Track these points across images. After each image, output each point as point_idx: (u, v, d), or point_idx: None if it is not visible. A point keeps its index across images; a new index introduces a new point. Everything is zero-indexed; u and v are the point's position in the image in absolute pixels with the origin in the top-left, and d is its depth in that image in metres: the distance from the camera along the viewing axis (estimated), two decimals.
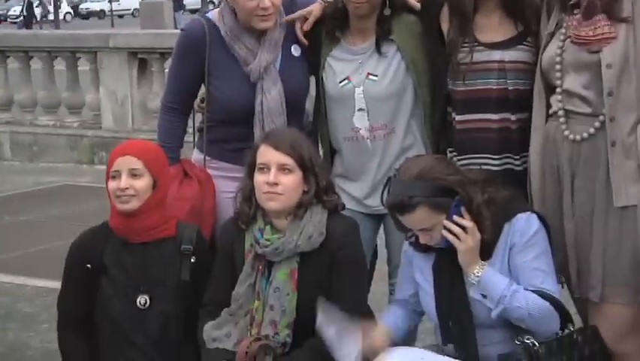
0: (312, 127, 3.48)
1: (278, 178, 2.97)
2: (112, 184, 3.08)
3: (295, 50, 3.43)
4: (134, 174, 3.06)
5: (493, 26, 3.17)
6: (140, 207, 3.07)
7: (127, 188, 3.05)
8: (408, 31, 3.29)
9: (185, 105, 3.51)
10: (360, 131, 3.32)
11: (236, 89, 3.36)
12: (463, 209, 2.80)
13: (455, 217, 2.79)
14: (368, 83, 3.29)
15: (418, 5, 3.31)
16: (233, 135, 3.39)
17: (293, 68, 3.41)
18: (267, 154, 3.00)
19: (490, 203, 2.84)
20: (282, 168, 2.99)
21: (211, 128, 3.47)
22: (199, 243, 3.17)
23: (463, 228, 2.78)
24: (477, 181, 2.88)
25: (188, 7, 38.74)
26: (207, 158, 3.48)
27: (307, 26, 3.39)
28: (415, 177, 2.80)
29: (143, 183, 3.07)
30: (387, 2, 3.27)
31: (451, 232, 2.79)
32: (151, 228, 3.11)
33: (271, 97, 3.33)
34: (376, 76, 3.29)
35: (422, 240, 2.88)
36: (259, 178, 3.00)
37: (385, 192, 2.89)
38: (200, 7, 36.91)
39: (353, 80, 3.31)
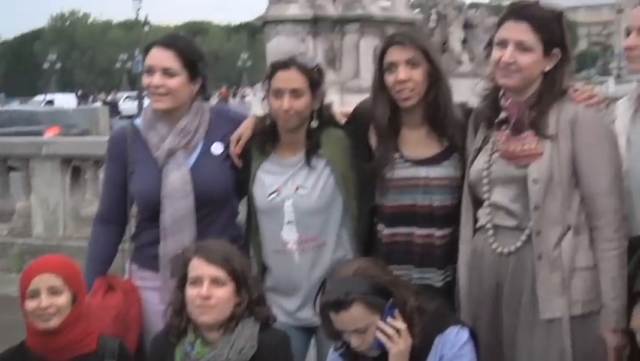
0: (244, 239, 3.49)
1: (211, 291, 2.96)
2: (30, 304, 3.00)
3: (216, 148, 3.45)
4: (53, 292, 3.00)
5: (418, 142, 3.25)
6: (61, 324, 3.01)
7: (48, 307, 2.99)
8: (337, 144, 3.35)
9: (118, 215, 3.51)
10: (289, 245, 3.34)
11: (147, 178, 3.40)
12: (396, 311, 2.85)
13: (389, 319, 2.83)
14: (297, 196, 3.32)
15: (343, 119, 3.39)
16: (155, 237, 3.39)
17: (209, 163, 3.42)
18: (199, 267, 2.99)
19: (422, 311, 2.90)
20: (215, 281, 2.98)
21: (138, 233, 3.49)
22: (122, 356, 3.10)
23: (397, 330, 2.82)
24: (409, 286, 2.96)
25: (124, 114, 38.85)
26: (134, 267, 3.48)
27: (239, 149, 3.43)
28: (352, 275, 2.86)
29: (64, 299, 3.02)
30: (315, 115, 3.34)
31: (384, 333, 2.82)
32: (72, 343, 3.04)
33: (173, 178, 3.36)
34: (306, 189, 3.33)
35: (354, 343, 2.89)
36: (191, 292, 2.98)
37: (320, 294, 2.92)
38: (136, 112, 37.08)
39: (282, 193, 3.34)
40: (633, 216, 2.99)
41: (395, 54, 3.19)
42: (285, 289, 3.38)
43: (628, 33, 3.12)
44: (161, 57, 3.36)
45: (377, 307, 2.84)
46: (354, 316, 2.83)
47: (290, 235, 3.33)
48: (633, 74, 3.36)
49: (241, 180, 3.42)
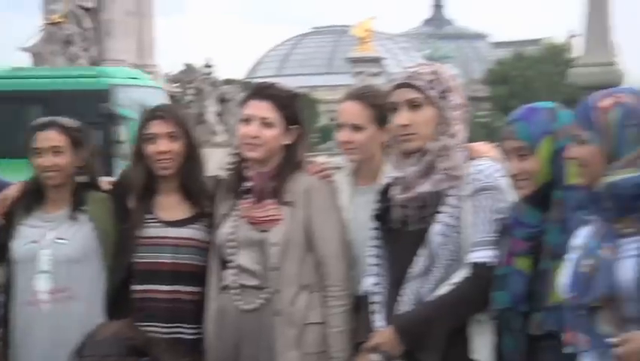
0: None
1: None
2: None
3: None
4: None
5: (172, 206, 3.46)
6: None
7: None
8: (100, 203, 3.49)
9: None
10: (40, 295, 3.39)
11: None
12: None
13: None
14: (55, 246, 3.41)
15: (106, 186, 3.57)
16: None
17: None
18: None
19: None
20: None
21: None
22: None
23: None
24: (160, 343, 3.13)
25: None
26: None
27: (2, 210, 3.49)
28: (111, 336, 2.98)
29: None
30: (83, 171, 3.49)
31: None
32: None
33: None
34: (64, 240, 3.42)
35: None
36: None
37: (77, 355, 3.02)
38: None
39: (40, 243, 3.41)
40: (357, 278, 3.29)
41: (156, 127, 3.40)
42: (26, 341, 3.40)
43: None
44: None
45: None
46: None
47: (43, 285, 3.39)
48: None
49: (2, 242, 3.48)
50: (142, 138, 3.42)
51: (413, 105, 2.97)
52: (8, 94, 13.17)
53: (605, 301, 2.33)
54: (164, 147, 3.37)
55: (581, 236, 2.51)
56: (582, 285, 2.38)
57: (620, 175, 2.38)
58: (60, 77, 14.46)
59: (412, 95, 2.97)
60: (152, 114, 3.46)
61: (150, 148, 3.39)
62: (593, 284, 2.35)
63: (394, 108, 3.01)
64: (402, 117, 2.97)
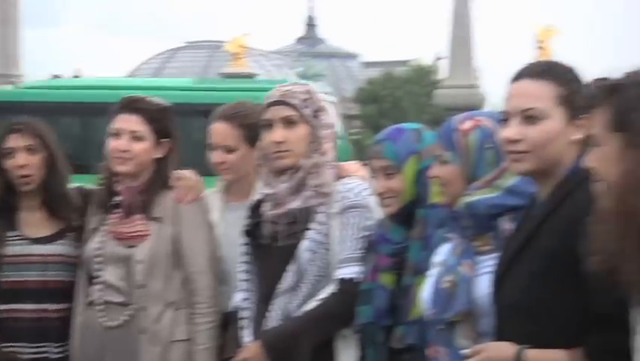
0: None
1: None
2: None
3: None
4: None
5: (37, 222, 3.40)
6: None
7: None
8: None
9: None
10: None
11: None
12: None
13: None
14: None
15: None
16: None
17: None
18: None
19: None
20: None
21: None
22: None
23: None
24: None
25: None
26: None
27: None
28: None
29: None
30: None
31: None
32: None
33: None
34: None
35: None
36: None
37: None
38: None
39: None
40: (227, 295, 3.32)
41: (14, 141, 3.35)
42: None
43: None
44: None
45: None
46: None
47: None
48: None
49: None
50: (1, 153, 3.36)
51: (288, 123, 3.02)
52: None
53: (464, 316, 2.43)
54: (23, 160, 3.32)
55: (442, 253, 2.61)
56: (442, 300, 2.47)
57: (478, 195, 2.48)
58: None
59: (287, 112, 3.02)
60: (10, 128, 3.40)
61: (9, 163, 3.33)
62: (453, 300, 2.44)
63: (268, 125, 3.05)
64: (276, 134, 3.02)
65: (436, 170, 2.62)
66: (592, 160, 1.92)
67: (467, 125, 2.58)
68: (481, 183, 2.51)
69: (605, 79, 1.89)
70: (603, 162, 1.87)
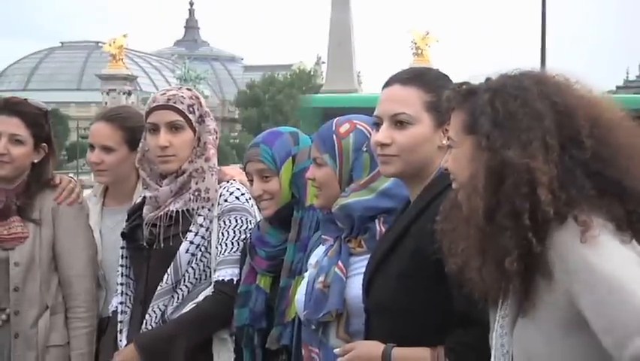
0: None
1: None
2: None
3: None
4: None
5: None
6: None
7: None
8: None
9: None
10: None
11: None
12: None
13: None
14: None
15: None
16: None
17: None
18: None
19: None
20: None
21: None
22: None
23: None
24: None
25: None
26: None
27: None
28: None
29: None
30: None
31: None
32: None
33: None
34: None
35: None
36: None
37: None
38: None
39: None
40: (105, 299, 3.32)
41: None
42: None
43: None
44: None
45: None
46: None
47: None
48: None
49: None
50: None
51: (173, 127, 3.03)
52: None
53: (336, 315, 2.48)
54: None
55: (317, 254, 2.66)
56: (316, 301, 2.52)
57: (353, 198, 2.54)
58: None
59: (173, 117, 3.04)
60: None
61: None
62: (325, 300, 2.49)
63: (153, 129, 3.05)
64: (162, 139, 3.02)
65: (312, 172, 2.67)
66: (448, 161, 2.00)
67: (344, 128, 2.64)
68: (356, 185, 2.57)
69: (464, 84, 1.98)
70: (457, 163, 1.95)
